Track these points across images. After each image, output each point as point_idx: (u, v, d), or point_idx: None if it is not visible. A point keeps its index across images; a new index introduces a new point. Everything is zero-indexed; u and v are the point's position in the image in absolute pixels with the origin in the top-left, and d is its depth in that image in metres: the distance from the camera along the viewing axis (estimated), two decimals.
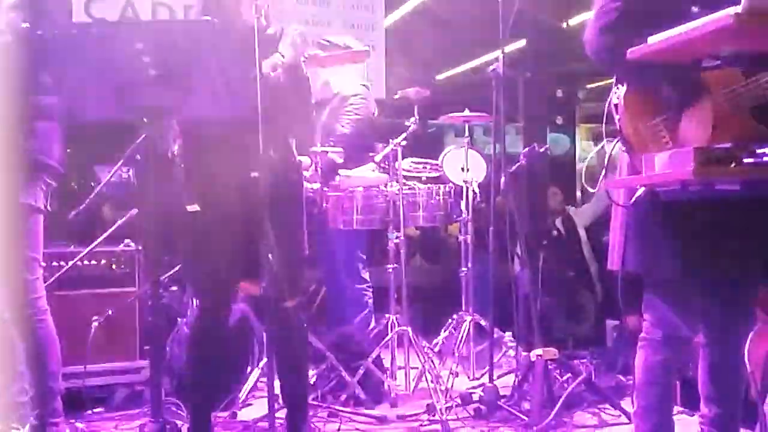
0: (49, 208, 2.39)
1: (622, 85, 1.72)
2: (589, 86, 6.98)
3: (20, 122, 2.25)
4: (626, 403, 2.80)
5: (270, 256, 2.01)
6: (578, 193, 6.53)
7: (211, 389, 2.51)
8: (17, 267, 2.26)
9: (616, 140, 1.74)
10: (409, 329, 3.22)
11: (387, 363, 3.27)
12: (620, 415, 2.79)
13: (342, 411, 2.91)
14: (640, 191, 1.76)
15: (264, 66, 2.16)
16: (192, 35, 1.81)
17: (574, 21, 6.24)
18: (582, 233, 4.87)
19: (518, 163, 3.26)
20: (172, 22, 2.06)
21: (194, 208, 2.23)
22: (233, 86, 1.88)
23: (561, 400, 2.67)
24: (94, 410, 2.95)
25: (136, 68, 1.82)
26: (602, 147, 1.80)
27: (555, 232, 4.70)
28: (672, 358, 1.92)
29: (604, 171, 1.81)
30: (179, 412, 2.75)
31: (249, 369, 3.16)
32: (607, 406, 2.87)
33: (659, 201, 1.74)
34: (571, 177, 6.73)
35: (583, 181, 1.98)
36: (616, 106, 1.72)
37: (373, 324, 3.63)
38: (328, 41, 3.57)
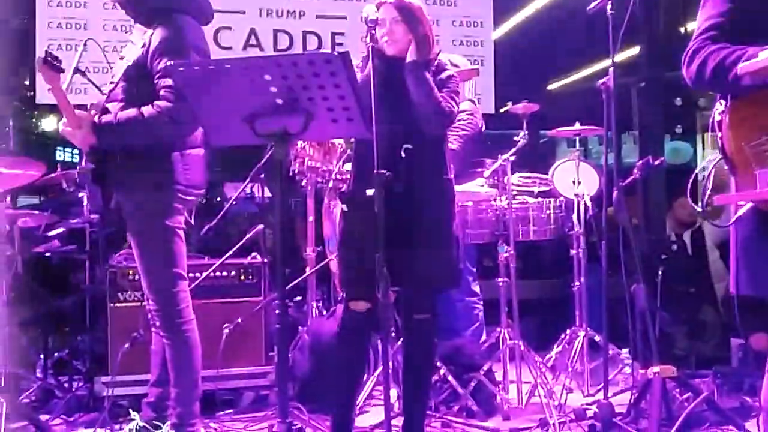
0: (192, 222, 2.65)
1: (725, 101, 1.63)
2: (712, 92, 6.62)
3: (165, 151, 2.49)
4: (751, 425, 2.67)
5: (384, 268, 2.11)
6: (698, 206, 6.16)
7: (354, 392, 2.60)
8: (164, 282, 2.52)
9: (719, 158, 1.66)
10: (521, 343, 3.23)
11: (498, 376, 3.29)
12: None
13: (455, 421, 2.97)
14: (742, 210, 1.68)
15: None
16: (313, 67, 1.97)
17: (691, 25, 5.98)
18: (712, 248, 4.58)
19: (631, 177, 3.19)
20: (296, 56, 2.24)
21: (371, 191, 2.21)
22: (351, 112, 2.02)
23: (680, 420, 2.58)
24: (225, 412, 3.16)
25: (264, 98, 2.01)
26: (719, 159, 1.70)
27: (675, 246, 4.48)
28: None
29: (710, 187, 1.74)
30: (301, 415, 2.92)
31: (365, 377, 3.30)
32: (731, 427, 2.74)
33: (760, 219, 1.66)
34: (692, 188, 6.38)
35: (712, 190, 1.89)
36: (718, 123, 1.63)
37: (484, 337, 3.67)
38: None
